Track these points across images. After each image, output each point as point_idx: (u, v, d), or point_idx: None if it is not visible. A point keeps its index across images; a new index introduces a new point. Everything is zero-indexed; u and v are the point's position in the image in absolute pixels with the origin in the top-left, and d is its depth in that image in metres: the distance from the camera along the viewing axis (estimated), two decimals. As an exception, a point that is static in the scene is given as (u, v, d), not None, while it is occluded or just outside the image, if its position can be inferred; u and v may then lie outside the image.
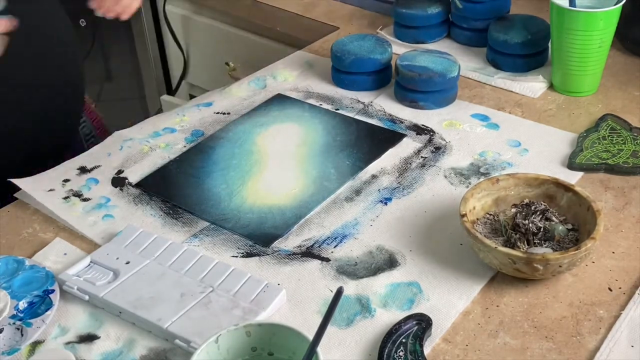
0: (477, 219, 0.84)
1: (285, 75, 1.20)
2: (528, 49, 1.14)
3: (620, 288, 0.78)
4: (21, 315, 0.77)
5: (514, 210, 0.82)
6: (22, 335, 0.75)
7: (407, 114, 1.08)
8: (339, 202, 0.92)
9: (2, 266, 0.82)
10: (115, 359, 0.73)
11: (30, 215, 0.93)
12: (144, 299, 0.77)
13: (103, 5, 0.99)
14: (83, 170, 0.99)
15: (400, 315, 0.75)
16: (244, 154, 1.01)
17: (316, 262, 0.83)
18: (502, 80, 1.14)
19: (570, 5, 1.03)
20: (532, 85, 1.12)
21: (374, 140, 1.02)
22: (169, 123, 1.09)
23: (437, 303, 0.77)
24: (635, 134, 0.99)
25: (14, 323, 0.76)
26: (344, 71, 1.14)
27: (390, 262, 0.82)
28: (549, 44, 1.14)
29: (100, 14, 1.00)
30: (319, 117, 1.08)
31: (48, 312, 0.76)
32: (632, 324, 0.73)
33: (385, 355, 0.70)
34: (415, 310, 0.76)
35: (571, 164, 0.95)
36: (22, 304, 0.78)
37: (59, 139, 1.10)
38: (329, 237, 0.86)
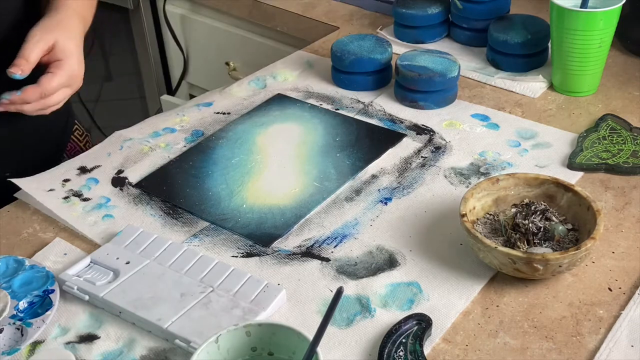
0: (477, 219, 0.84)
1: (285, 75, 1.20)
2: (528, 49, 1.14)
3: (620, 288, 0.78)
4: (21, 315, 0.77)
5: (514, 210, 0.82)
6: (22, 335, 0.75)
7: (407, 114, 1.08)
8: (339, 202, 0.92)
9: (2, 266, 0.82)
10: (115, 359, 0.73)
11: (30, 215, 0.93)
12: (144, 299, 0.77)
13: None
14: (83, 170, 0.99)
15: (400, 315, 0.75)
16: (244, 154, 1.01)
17: (316, 262, 0.83)
18: (502, 80, 1.14)
19: (581, 7, 1.03)
20: (532, 85, 1.12)
21: (374, 140, 1.02)
22: (169, 123, 1.09)
23: (437, 303, 0.77)
24: (635, 134, 0.99)
25: (14, 323, 0.76)
26: (344, 71, 1.14)
27: (390, 262, 0.82)
28: (549, 44, 1.14)
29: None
30: (319, 117, 1.08)
31: (48, 312, 0.76)
32: (632, 324, 0.73)
33: (385, 355, 0.70)
34: (415, 310, 0.76)
35: (571, 164, 0.95)
36: (22, 304, 0.78)
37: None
38: (329, 237, 0.86)
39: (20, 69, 0.87)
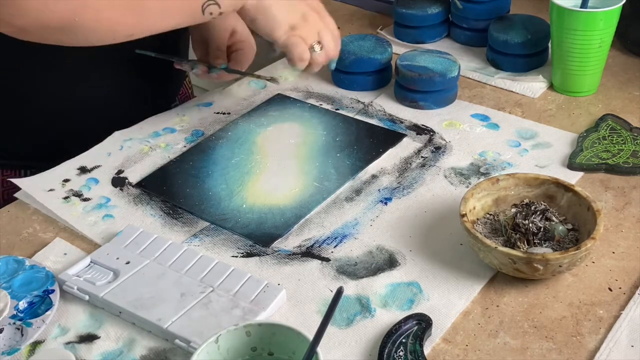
0: (477, 219, 0.84)
1: (285, 75, 1.20)
2: (528, 49, 1.14)
3: (620, 288, 0.78)
4: (21, 315, 0.77)
5: (514, 210, 0.82)
6: (22, 335, 0.75)
7: (407, 114, 1.08)
8: (339, 202, 0.92)
9: (2, 266, 0.82)
10: (115, 359, 0.73)
11: (30, 215, 0.93)
12: (144, 299, 0.77)
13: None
14: (83, 170, 0.99)
15: (400, 315, 0.75)
16: (244, 154, 1.01)
17: (316, 262, 0.83)
18: (502, 80, 1.14)
19: (581, 7, 1.03)
20: (532, 85, 1.12)
21: (374, 140, 1.02)
22: (169, 123, 1.09)
23: (437, 303, 0.77)
24: (635, 134, 0.99)
25: (14, 323, 0.76)
26: (344, 71, 1.14)
27: (390, 262, 0.82)
28: (549, 44, 1.14)
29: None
30: (319, 117, 1.08)
31: (48, 312, 0.76)
32: (632, 324, 0.73)
33: (385, 355, 0.70)
34: (415, 310, 0.76)
35: (571, 164, 0.95)
36: (22, 304, 0.78)
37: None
38: (329, 237, 0.86)
39: (220, 61, 1.04)
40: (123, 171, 0.99)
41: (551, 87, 1.12)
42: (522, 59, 1.14)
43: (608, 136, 0.99)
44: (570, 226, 0.81)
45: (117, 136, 1.06)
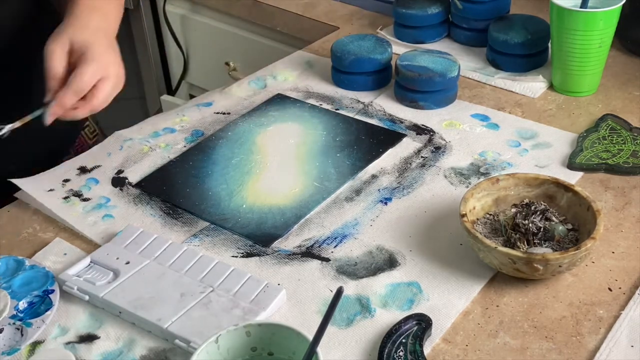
0: (477, 219, 0.84)
1: (285, 75, 1.20)
2: (528, 49, 1.14)
3: (620, 288, 0.78)
4: (21, 315, 0.77)
5: (514, 210, 0.82)
6: (22, 335, 0.75)
7: (407, 114, 1.08)
8: (339, 202, 0.92)
9: (2, 266, 0.82)
10: (115, 359, 0.73)
11: (30, 215, 0.93)
12: (144, 299, 0.77)
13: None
14: (83, 170, 0.99)
15: (400, 315, 0.75)
16: (244, 153, 1.01)
17: (316, 262, 0.83)
18: (502, 80, 1.14)
19: (581, 7, 1.03)
20: (532, 85, 1.12)
21: (374, 140, 1.02)
22: (169, 123, 1.09)
23: (437, 303, 0.77)
24: (635, 134, 0.99)
25: (14, 323, 0.76)
26: (344, 71, 1.14)
27: (390, 262, 0.82)
28: (549, 44, 1.14)
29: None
30: (319, 117, 1.08)
31: (48, 312, 0.76)
32: (632, 324, 0.73)
33: (385, 355, 0.70)
34: (415, 310, 0.76)
35: (571, 164, 0.95)
36: (22, 304, 0.78)
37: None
38: (329, 237, 0.86)
39: (54, 91, 0.85)
40: (123, 171, 0.99)
41: (551, 87, 1.12)
42: (522, 59, 1.14)
43: (608, 136, 0.99)
44: (570, 226, 0.81)
45: (117, 136, 1.06)
